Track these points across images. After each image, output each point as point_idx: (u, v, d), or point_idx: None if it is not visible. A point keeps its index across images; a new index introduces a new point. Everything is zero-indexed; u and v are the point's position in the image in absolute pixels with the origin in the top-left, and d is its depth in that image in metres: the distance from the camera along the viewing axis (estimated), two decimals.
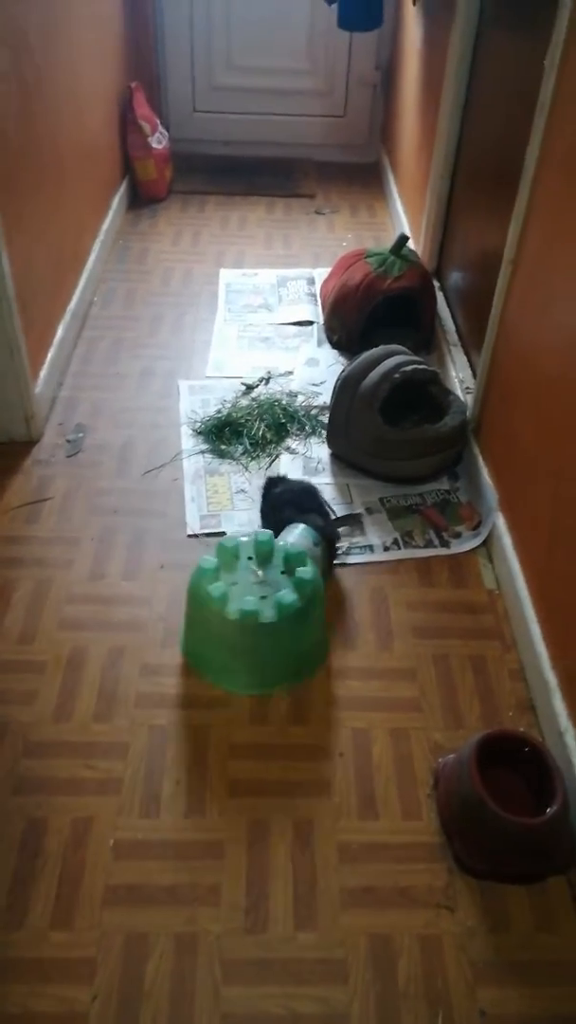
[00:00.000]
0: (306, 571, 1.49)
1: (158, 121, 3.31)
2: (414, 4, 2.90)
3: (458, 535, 1.85)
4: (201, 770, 1.38)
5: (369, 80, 3.65)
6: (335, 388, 1.99)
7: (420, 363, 1.99)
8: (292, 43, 3.55)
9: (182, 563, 1.75)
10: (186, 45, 3.53)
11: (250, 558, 1.55)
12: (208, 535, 1.83)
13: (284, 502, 1.76)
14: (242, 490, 1.96)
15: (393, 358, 1.97)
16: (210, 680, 1.52)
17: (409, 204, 3.07)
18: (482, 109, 2.22)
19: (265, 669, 1.52)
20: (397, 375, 1.92)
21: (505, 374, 1.78)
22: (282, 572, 1.53)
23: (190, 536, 1.83)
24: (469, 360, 2.25)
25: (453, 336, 2.38)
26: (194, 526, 1.85)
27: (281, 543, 1.58)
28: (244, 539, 1.57)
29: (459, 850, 1.26)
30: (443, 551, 1.81)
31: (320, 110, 3.74)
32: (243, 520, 1.87)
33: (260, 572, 1.52)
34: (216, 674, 1.53)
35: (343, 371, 1.99)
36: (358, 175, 3.71)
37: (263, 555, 1.54)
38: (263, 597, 1.47)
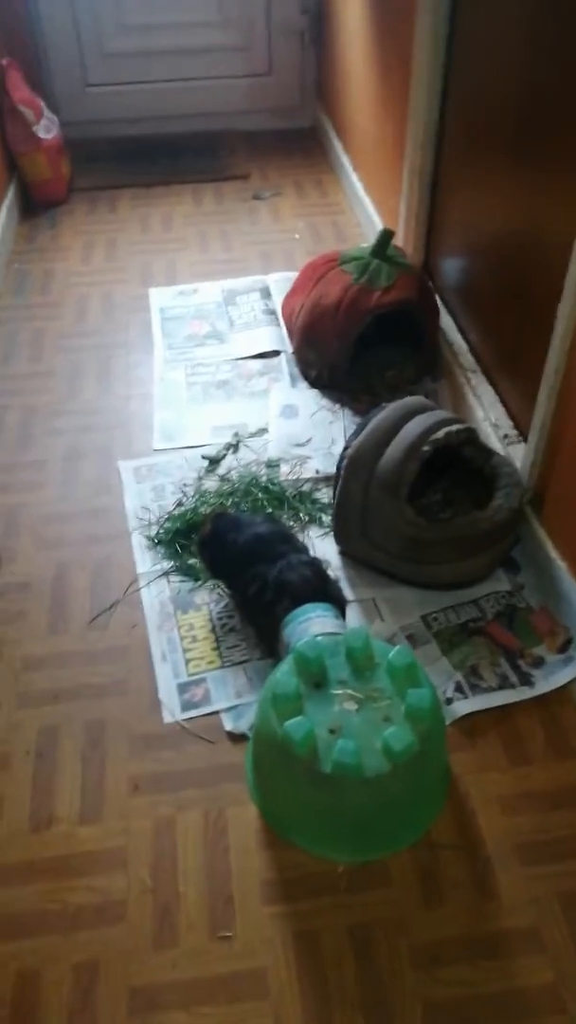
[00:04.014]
0: (422, 695, 1.07)
1: (43, 104, 2.64)
2: None
3: (540, 662, 1.33)
4: None
5: (295, 27, 3.02)
6: (340, 470, 1.43)
7: (452, 420, 1.43)
8: None
9: (164, 777, 1.20)
10: (66, 7, 2.84)
11: (342, 681, 1.12)
12: (194, 719, 1.27)
13: (249, 553, 1.33)
14: (232, 629, 1.40)
15: (415, 420, 1.41)
16: (295, 842, 1.12)
17: (372, 179, 2.48)
18: (486, 47, 1.64)
19: (370, 831, 1.12)
20: (426, 447, 1.37)
21: None
22: (386, 694, 1.11)
23: (170, 723, 1.27)
24: (499, 393, 1.70)
25: (468, 359, 1.83)
26: (172, 706, 1.29)
27: (360, 644, 1.14)
28: (328, 643, 1.16)
29: None
30: (526, 692, 1.29)
31: (240, 69, 3.09)
32: (240, 685, 1.31)
33: (357, 694, 1.10)
34: (302, 836, 1.12)
35: (347, 447, 1.43)
36: (296, 144, 3.09)
37: (359, 667, 1.13)
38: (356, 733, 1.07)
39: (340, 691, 1.11)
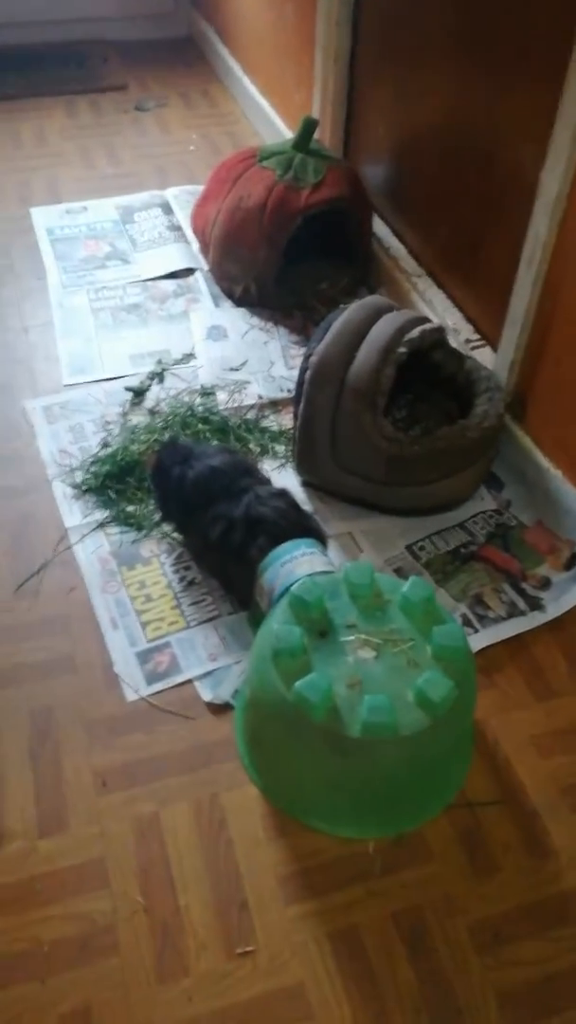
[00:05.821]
0: (451, 632, 0.91)
1: None
2: None
3: (546, 583, 1.18)
4: None
5: None
6: (304, 383, 1.22)
7: (423, 319, 1.25)
8: None
9: (137, 766, 0.98)
10: None
11: (351, 625, 0.93)
12: (163, 692, 1.05)
13: (204, 490, 1.12)
14: (192, 582, 1.18)
15: (384, 320, 1.21)
16: (313, 824, 0.93)
17: (270, 80, 2.22)
18: None
19: (402, 799, 0.94)
20: (402, 348, 1.18)
21: None
22: (406, 635, 0.93)
23: (134, 701, 1.04)
24: (451, 297, 1.53)
25: (410, 262, 1.64)
26: (134, 680, 1.06)
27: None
28: (327, 582, 0.97)
29: None
30: (539, 617, 1.14)
31: None
32: (213, 646, 1.10)
33: (372, 639, 0.92)
34: (321, 815, 0.93)
35: (309, 354, 1.21)
36: (175, 54, 2.77)
37: (368, 607, 0.94)
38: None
39: (351, 637, 0.92)
